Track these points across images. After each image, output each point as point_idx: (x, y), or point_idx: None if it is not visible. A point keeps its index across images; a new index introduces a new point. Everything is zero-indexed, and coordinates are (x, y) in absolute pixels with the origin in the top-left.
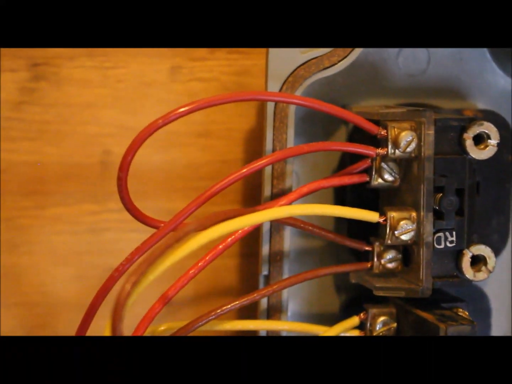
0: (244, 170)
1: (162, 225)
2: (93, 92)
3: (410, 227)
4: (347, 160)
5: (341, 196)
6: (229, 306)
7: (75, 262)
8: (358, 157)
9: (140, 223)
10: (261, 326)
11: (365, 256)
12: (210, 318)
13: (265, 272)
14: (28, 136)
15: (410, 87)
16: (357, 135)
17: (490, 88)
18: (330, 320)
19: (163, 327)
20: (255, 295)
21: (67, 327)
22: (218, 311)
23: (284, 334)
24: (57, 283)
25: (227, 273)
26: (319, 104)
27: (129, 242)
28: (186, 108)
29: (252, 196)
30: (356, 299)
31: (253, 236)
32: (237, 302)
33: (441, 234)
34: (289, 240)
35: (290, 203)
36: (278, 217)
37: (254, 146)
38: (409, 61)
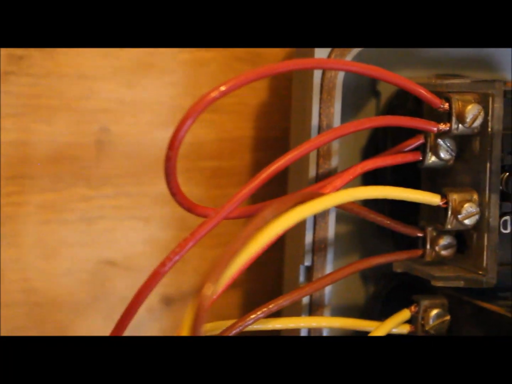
0: (301, 150)
1: (212, 213)
2: (90, 62)
3: (474, 210)
4: (388, 138)
5: (374, 177)
6: (280, 302)
7: (66, 254)
8: (400, 134)
9: (188, 211)
10: (310, 323)
11: (402, 242)
12: (259, 316)
13: (307, 263)
14: (15, 111)
15: (440, 57)
16: (400, 109)
17: None
18: (358, 311)
19: (207, 327)
20: (306, 289)
21: (56, 329)
22: (267, 308)
23: (326, 329)
24: (45, 279)
25: None
26: (384, 74)
27: (126, 231)
28: (244, 78)
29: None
30: (384, 289)
31: None
32: (287, 298)
33: (507, 217)
34: (333, 227)
35: (345, 185)
36: (347, 201)
37: (264, 122)
38: None
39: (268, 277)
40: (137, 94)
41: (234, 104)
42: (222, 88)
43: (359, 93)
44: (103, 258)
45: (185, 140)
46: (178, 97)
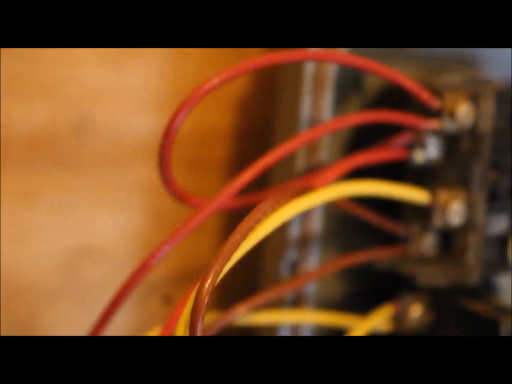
0: (297, 141)
1: (205, 204)
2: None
3: (462, 209)
4: (374, 134)
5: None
6: (268, 296)
7: (39, 240)
8: (387, 130)
9: (180, 201)
10: (294, 318)
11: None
12: (247, 310)
13: (292, 257)
14: None
15: (423, 55)
16: (387, 105)
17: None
18: (340, 306)
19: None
20: (293, 283)
21: (25, 317)
22: (253, 302)
23: (306, 324)
24: (16, 266)
25: (207, 254)
26: (380, 69)
27: (103, 219)
28: (245, 65)
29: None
30: (367, 285)
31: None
32: (274, 293)
33: (493, 217)
34: (320, 221)
35: (335, 179)
36: (345, 195)
37: (245, 111)
38: None
39: (240, 269)
40: (120, 80)
41: (213, 94)
42: (222, 76)
43: (345, 87)
44: (77, 245)
45: (163, 128)
46: (162, 84)
